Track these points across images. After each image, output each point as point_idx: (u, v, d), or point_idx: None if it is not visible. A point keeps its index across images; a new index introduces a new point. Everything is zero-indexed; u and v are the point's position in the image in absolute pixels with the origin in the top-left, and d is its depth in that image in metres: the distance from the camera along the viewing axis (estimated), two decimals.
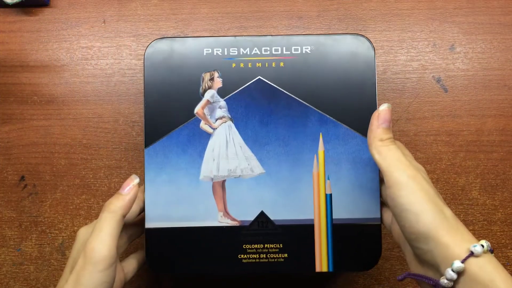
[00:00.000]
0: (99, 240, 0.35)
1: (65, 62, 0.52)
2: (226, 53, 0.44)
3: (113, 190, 0.51)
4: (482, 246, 0.31)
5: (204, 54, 0.44)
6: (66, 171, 0.52)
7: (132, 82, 0.52)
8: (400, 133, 0.51)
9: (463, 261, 0.30)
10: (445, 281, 0.31)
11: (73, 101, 0.52)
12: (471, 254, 0.31)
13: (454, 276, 0.31)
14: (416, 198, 0.34)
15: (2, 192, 0.52)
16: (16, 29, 0.53)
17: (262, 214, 0.44)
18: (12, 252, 0.51)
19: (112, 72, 0.52)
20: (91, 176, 0.51)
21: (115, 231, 0.36)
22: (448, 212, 0.34)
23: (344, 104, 0.43)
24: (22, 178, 0.52)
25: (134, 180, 0.40)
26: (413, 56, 0.52)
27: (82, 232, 0.40)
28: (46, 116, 0.52)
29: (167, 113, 0.44)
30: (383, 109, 0.38)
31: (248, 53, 0.44)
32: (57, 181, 0.51)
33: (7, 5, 0.52)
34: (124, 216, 0.38)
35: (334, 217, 0.44)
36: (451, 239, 0.32)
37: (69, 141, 0.52)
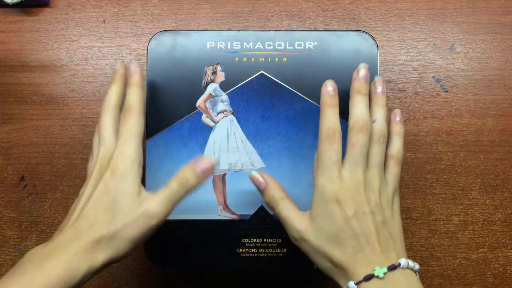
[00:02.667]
0: (167, 211, 0.36)
1: (65, 62, 0.52)
2: (229, 47, 0.44)
3: None
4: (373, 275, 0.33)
5: (207, 47, 0.44)
6: (66, 171, 0.52)
7: None
8: None
9: (357, 283, 0.34)
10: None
11: (73, 101, 0.52)
12: (372, 276, 0.34)
13: None
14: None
15: (2, 192, 0.52)
16: (16, 29, 0.53)
17: (261, 208, 0.44)
18: (12, 252, 0.51)
19: (112, 72, 0.52)
20: None
21: (178, 203, 0.37)
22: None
23: (346, 101, 0.44)
24: (22, 178, 0.52)
25: (213, 162, 0.38)
26: (413, 56, 0.52)
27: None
28: (46, 116, 0.52)
29: (169, 106, 0.44)
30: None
31: (251, 47, 0.44)
32: (57, 181, 0.51)
33: (7, 5, 0.52)
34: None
35: None
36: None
37: (69, 141, 0.52)
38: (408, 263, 0.34)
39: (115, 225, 0.34)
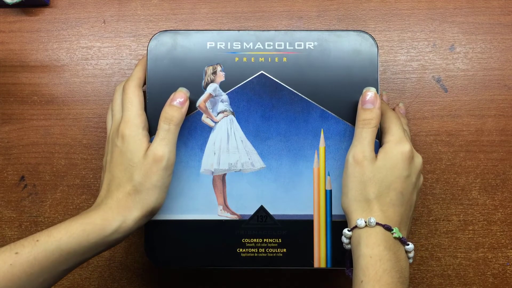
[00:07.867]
0: (169, 149, 0.40)
1: (65, 62, 0.52)
2: (229, 47, 0.44)
3: None
4: (365, 221, 0.39)
5: (207, 47, 0.44)
6: (66, 171, 0.52)
7: None
8: None
9: (350, 230, 0.40)
10: (344, 242, 0.41)
11: (73, 101, 0.52)
12: (355, 226, 0.40)
13: (345, 240, 0.41)
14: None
15: (2, 192, 0.52)
16: (16, 29, 0.53)
17: (261, 208, 0.44)
18: None
19: (112, 72, 0.52)
20: (91, 176, 0.51)
21: (176, 140, 0.41)
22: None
23: (346, 101, 0.43)
24: (22, 178, 0.52)
25: (185, 92, 0.43)
26: (413, 56, 0.52)
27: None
28: (46, 116, 0.52)
29: None
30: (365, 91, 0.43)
31: (251, 47, 0.44)
32: (57, 181, 0.52)
33: (7, 5, 0.52)
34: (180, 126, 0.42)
35: (333, 213, 0.44)
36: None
37: (69, 141, 0.52)
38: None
39: (136, 179, 0.40)
